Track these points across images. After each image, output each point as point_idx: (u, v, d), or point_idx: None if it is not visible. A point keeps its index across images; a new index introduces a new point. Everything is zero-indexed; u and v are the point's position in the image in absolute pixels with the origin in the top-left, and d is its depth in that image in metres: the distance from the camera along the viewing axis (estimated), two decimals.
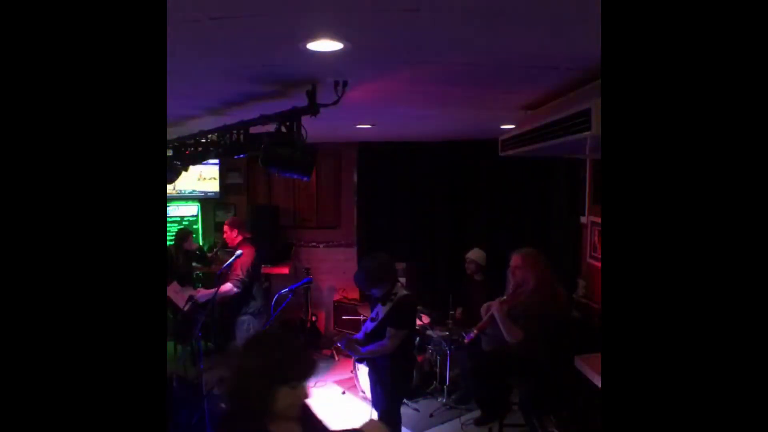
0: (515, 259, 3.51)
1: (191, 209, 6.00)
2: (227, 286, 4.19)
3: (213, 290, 4.00)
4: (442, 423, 4.22)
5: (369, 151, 6.13)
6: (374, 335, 3.13)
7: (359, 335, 3.32)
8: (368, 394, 4.38)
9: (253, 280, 4.33)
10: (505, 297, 3.43)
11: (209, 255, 5.27)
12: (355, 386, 4.80)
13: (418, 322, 4.74)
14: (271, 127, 2.89)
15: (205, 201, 6.07)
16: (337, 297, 6.12)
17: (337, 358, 5.60)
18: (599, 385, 2.82)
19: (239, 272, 4.19)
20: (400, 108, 3.53)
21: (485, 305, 3.55)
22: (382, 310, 3.11)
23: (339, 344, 3.25)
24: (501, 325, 3.30)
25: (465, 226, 5.92)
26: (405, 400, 4.42)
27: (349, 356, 4.78)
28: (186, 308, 4.06)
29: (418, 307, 4.95)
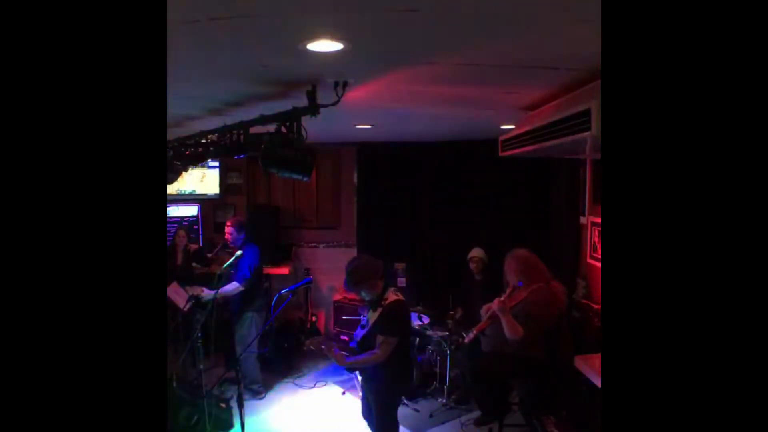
0: (505, 262, 3.54)
1: (191, 209, 6.00)
2: (234, 285, 4.22)
3: (224, 289, 4.06)
4: (442, 423, 4.22)
5: (369, 152, 6.13)
6: (365, 343, 3.04)
7: (351, 344, 3.23)
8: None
9: (257, 279, 4.38)
10: (503, 297, 3.44)
11: (209, 255, 5.27)
12: (355, 386, 4.80)
13: (417, 322, 4.75)
14: (271, 128, 2.89)
15: (205, 201, 6.07)
16: (337, 297, 6.12)
17: None
18: (599, 385, 2.82)
19: (247, 272, 4.23)
20: (400, 108, 3.53)
21: (485, 306, 3.55)
22: (372, 317, 3.04)
23: (322, 347, 3.18)
24: (503, 321, 3.30)
25: (465, 226, 5.91)
26: (405, 401, 4.43)
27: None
28: (186, 308, 4.07)
29: (418, 308, 4.96)
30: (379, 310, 2.99)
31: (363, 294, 3.06)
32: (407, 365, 3.28)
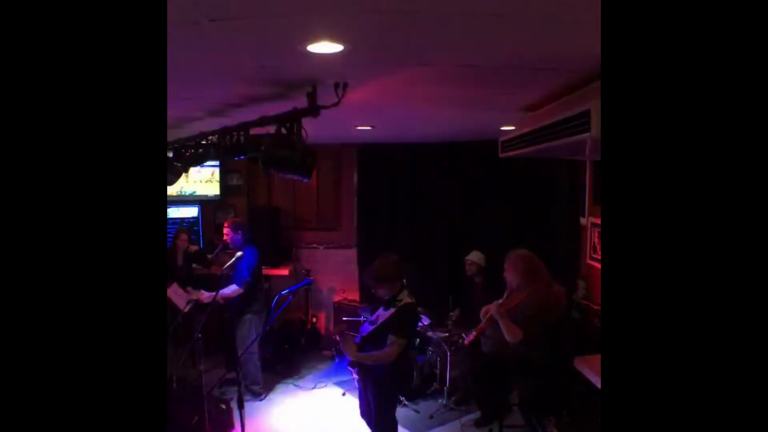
0: (505, 262, 3.54)
1: (191, 211, 6.01)
2: (233, 287, 4.22)
3: (223, 291, 4.05)
4: (442, 424, 4.22)
5: (369, 153, 6.13)
6: (371, 339, 3.08)
7: (356, 339, 3.26)
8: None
9: (256, 281, 4.37)
10: (501, 300, 3.44)
11: (210, 256, 5.27)
12: (355, 388, 4.79)
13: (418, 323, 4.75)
14: (271, 129, 2.89)
15: (206, 203, 6.07)
16: (337, 298, 6.12)
17: (337, 359, 5.60)
18: (599, 385, 2.82)
19: (246, 274, 4.22)
20: (400, 109, 3.54)
21: (484, 308, 3.55)
22: (383, 315, 3.06)
23: (337, 337, 3.20)
24: (501, 325, 3.31)
25: (465, 227, 5.92)
26: (405, 401, 4.43)
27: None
28: (186, 309, 4.07)
29: (418, 308, 4.96)
30: (392, 310, 3.03)
31: (381, 291, 3.10)
32: (407, 365, 3.31)
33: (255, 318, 4.43)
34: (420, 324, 4.78)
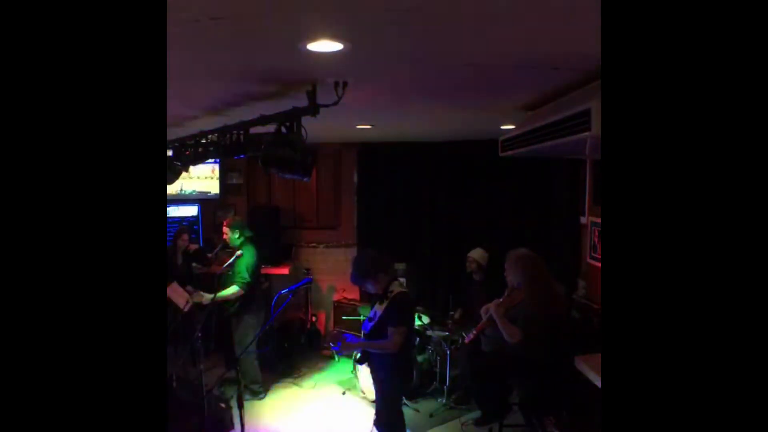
0: (505, 262, 3.54)
1: (191, 210, 6.01)
2: (232, 289, 4.22)
3: (222, 294, 4.10)
4: (442, 423, 4.22)
5: (369, 152, 6.13)
6: (373, 335, 3.12)
7: (359, 339, 3.31)
8: (369, 396, 4.39)
9: (255, 281, 4.36)
10: (501, 299, 3.44)
11: (209, 255, 5.27)
12: (355, 386, 4.80)
13: (417, 322, 4.75)
14: (271, 128, 2.89)
15: (205, 202, 6.07)
16: (337, 297, 6.12)
17: (337, 358, 5.60)
18: (599, 385, 2.82)
19: (246, 275, 4.22)
20: (399, 108, 3.54)
21: (485, 307, 3.55)
22: (379, 309, 3.11)
23: (334, 348, 3.25)
24: (499, 326, 3.31)
25: (465, 227, 5.92)
26: (405, 401, 4.43)
27: (349, 355, 4.78)
28: (186, 308, 4.07)
29: (418, 308, 4.97)
30: (386, 302, 3.07)
31: (369, 287, 3.16)
32: (408, 361, 3.35)
33: (253, 317, 4.42)
34: (420, 323, 4.79)
